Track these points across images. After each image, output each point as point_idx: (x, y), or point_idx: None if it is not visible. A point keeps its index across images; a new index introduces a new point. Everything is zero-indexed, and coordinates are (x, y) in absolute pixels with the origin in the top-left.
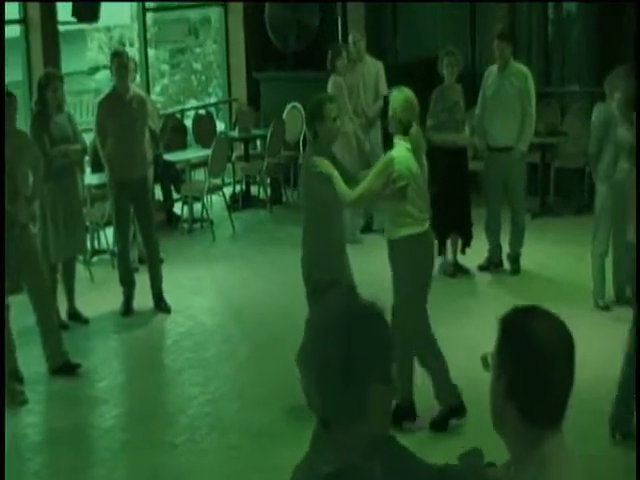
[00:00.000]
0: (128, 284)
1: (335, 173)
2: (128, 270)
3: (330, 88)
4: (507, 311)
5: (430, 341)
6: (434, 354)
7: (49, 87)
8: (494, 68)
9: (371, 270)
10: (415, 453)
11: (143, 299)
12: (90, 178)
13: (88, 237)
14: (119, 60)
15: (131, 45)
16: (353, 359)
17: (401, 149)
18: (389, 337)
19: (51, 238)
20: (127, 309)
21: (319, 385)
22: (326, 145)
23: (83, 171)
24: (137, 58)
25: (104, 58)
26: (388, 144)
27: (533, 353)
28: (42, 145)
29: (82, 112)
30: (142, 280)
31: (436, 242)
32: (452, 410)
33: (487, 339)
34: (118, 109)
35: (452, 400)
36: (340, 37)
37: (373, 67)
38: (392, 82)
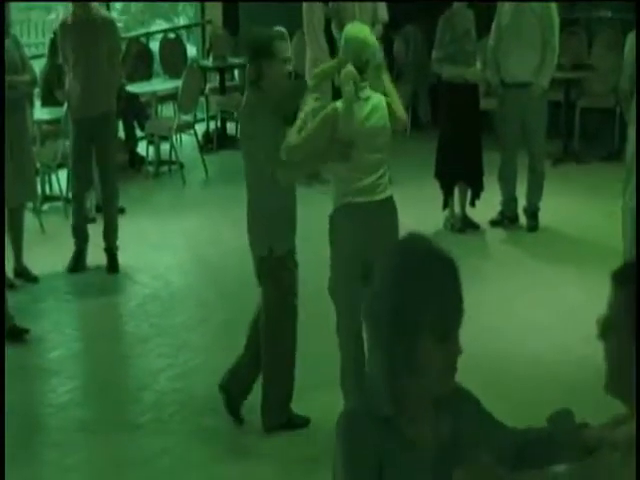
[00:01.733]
0: (81, 236)
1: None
2: (82, 220)
3: (304, 15)
4: (622, 267)
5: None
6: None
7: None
8: None
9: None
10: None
11: (102, 255)
12: (40, 113)
13: (38, 181)
14: None
15: None
16: (404, 306)
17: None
18: (452, 286)
19: None
20: (77, 265)
21: (374, 331)
22: (272, 92)
23: (32, 105)
24: None
25: None
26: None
27: None
28: None
29: (30, 33)
30: (100, 232)
31: (441, 192)
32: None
33: (499, 306)
34: (78, 35)
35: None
36: None
37: None
38: (392, 5)
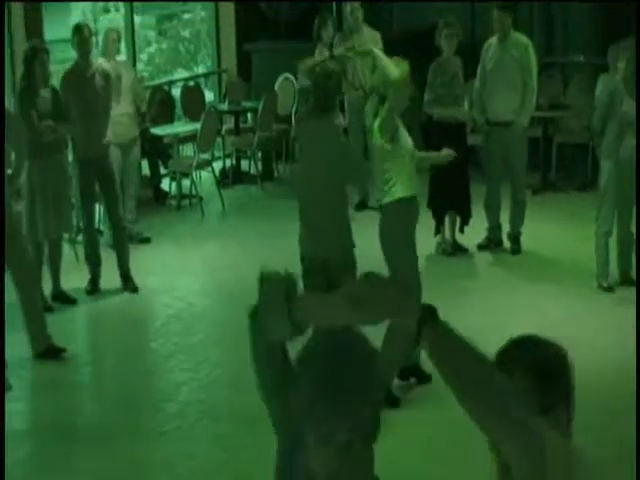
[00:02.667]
0: (93, 263)
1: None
2: (94, 248)
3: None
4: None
5: None
6: None
7: (36, 61)
8: (494, 40)
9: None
10: None
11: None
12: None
13: (73, 215)
14: (80, 35)
15: (116, 11)
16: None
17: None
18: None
19: (39, 215)
20: (93, 288)
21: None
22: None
23: (67, 147)
24: (122, 25)
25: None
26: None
27: None
28: (30, 121)
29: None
30: (135, 259)
31: (433, 220)
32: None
33: (486, 321)
34: (81, 85)
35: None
36: (334, 6)
37: (371, 38)
38: (388, 54)
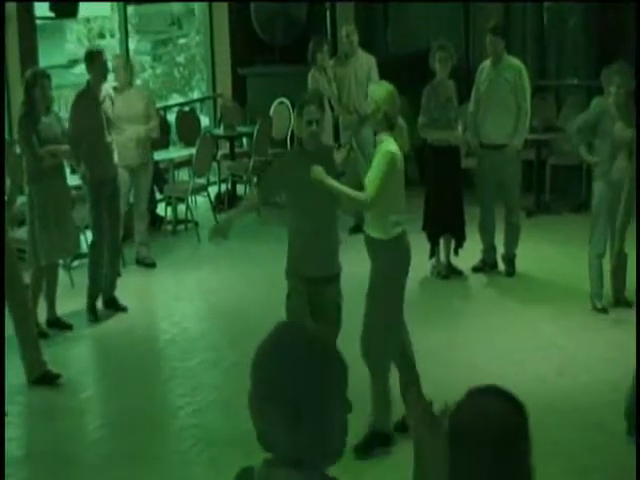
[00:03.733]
0: (97, 284)
1: (328, 179)
2: (100, 280)
3: (309, 83)
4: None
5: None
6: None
7: (37, 87)
8: (487, 63)
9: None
10: None
11: (129, 304)
12: (71, 179)
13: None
14: (95, 60)
15: (112, 36)
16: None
17: (391, 144)
18: (337, 372)
19: (40, 240)
20: (94, 314)
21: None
22: (306, 145)
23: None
24: (117, 50)
25: (83, 50)
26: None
27: None
28: (31, 147)
29: (61, 107)
30: (133, 284)
31: (428, 243)
32: (379, 437)
33: (481, 343)
34: (94, 108)
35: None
36: (329, 30)
37: (366, 62)
38: (383, 77)
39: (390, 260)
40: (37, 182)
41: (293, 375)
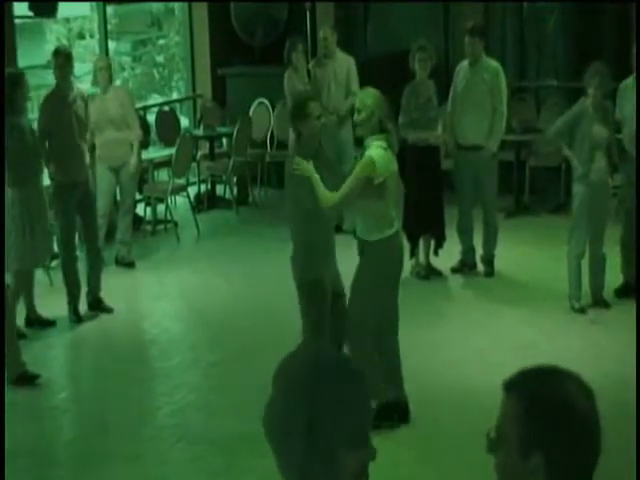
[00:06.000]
0: (76, 288)
1: (315, 176)
2: (75, 281)
3: (285, 84)
4: (513, 378)
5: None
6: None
7: (18, 89)
8: (465, 63)
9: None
10: None
11: (109, 305)
12: (45, 180)
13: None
14: (60, 58)
15: (91, 37)
16: (319, 422)
17: (378, 149)
18: (363, 395)
19: (13, 246)
20: (77, 316)
21: (283, 448)
22: (310, 144)
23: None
24: (97, 51)
25: None
26: (359, 143)
27: (571, 415)
28: (13, 148)
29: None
30: (112, 284)
31: (407, 244)
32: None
33: (460, 343)
34: (62, 110)
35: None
36: (309, 31)
37: (344, 63)
38: (363, 78)
39: (379, 260)
40: (14, 185)
41: (291, 397)
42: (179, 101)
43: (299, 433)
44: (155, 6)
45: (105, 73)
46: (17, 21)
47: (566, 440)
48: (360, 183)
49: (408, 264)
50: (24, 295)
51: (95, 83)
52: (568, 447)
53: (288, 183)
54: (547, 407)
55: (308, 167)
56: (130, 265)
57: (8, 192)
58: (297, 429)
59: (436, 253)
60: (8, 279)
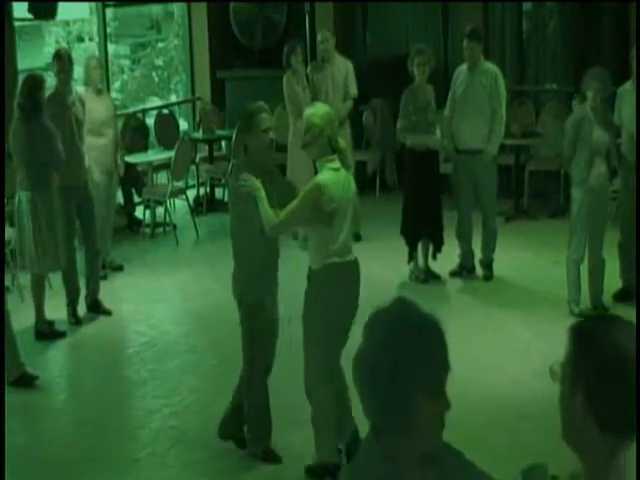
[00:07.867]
0: (75, 291)
1: (262, 193)
2: (74, 283)
3: (284, 87)
4: (579, 321)
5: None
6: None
7: (41, 91)
8: (464, 67)
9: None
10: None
11: (107, 307)
12: None
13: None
14: (60, 61)
15: (90, 40)
16: (399, 369)
17: (328, 172)
18: (441, 347)
19: (29, 249)
20: (76, 318)
21: (368, 393)
22: (258, 158)
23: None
24: (96, 53)
25: None
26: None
27: (615, 363)
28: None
29: None
30: (110, 286)
31: (406, 247)
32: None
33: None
34: (62, 112)
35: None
36: (308, 34)
37: (343, 67)
38: (362, 81)
39: (316, 290)
40: (29, 190)
41: (378, 347)
42: (178, 104)
43: (380, 382)
44: (154, 9)
45: (98, 73)
46: (16, 23)
47: (608, 388)
48: (303, 208)
49: (407, 268)
50: (35, 303)
51: (87, 83)
52: (609, 394)
53: (234, 200)
54: (595, 354)
55: (256, 183)
56: (119, 269)
57: (25, 196)
58: (379, 377)
59: (434, 257)
60: (7, 281)
